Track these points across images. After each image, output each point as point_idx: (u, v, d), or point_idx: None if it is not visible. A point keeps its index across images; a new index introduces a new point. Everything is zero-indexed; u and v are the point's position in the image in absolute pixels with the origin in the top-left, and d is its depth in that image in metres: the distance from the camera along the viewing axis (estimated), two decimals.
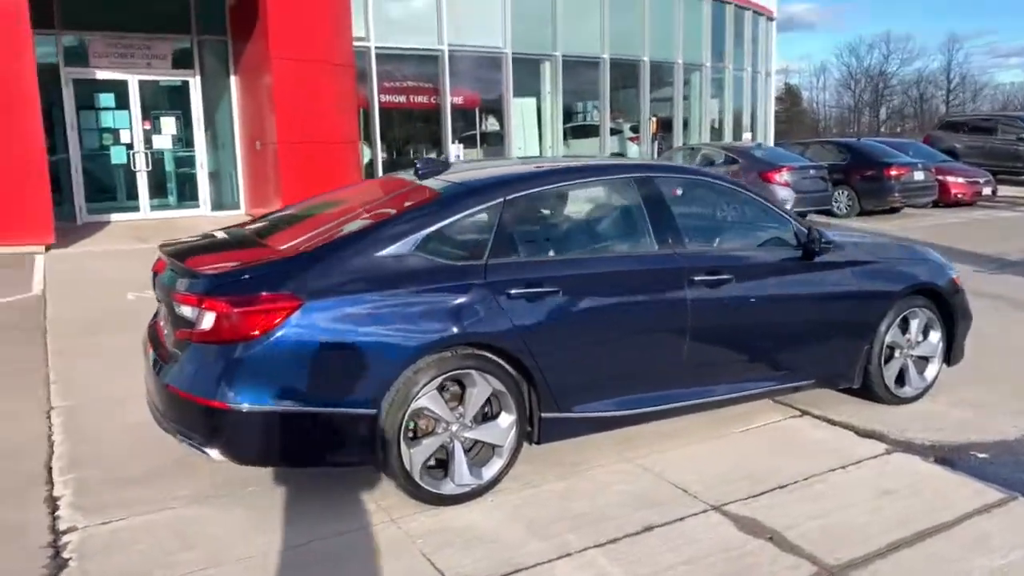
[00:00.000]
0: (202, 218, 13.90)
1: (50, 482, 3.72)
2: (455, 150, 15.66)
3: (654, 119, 18.84)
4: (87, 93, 13.58)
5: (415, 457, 3.27)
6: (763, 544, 3.10)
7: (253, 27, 12.63)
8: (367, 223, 3.46)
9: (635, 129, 20.00)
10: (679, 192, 4.07)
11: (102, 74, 13.55)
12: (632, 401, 3.78)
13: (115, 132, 13.86)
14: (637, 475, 3.73)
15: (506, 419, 3.46)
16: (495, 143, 17.47)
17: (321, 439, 3.15)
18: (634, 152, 19.87)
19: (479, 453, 3.51)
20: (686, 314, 3.81)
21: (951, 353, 4.81)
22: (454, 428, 3.37)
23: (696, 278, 3.83)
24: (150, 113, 14.05)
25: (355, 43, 15.07)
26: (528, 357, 3.43)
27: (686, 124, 21.23)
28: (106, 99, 13.76)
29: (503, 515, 3.35)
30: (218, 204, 14.56)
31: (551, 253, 3.73)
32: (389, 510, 3.37)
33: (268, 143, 12.76)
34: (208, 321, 3.05)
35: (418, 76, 16.23)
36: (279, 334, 3.03)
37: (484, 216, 3.52)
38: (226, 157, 14.80)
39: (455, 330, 3.28)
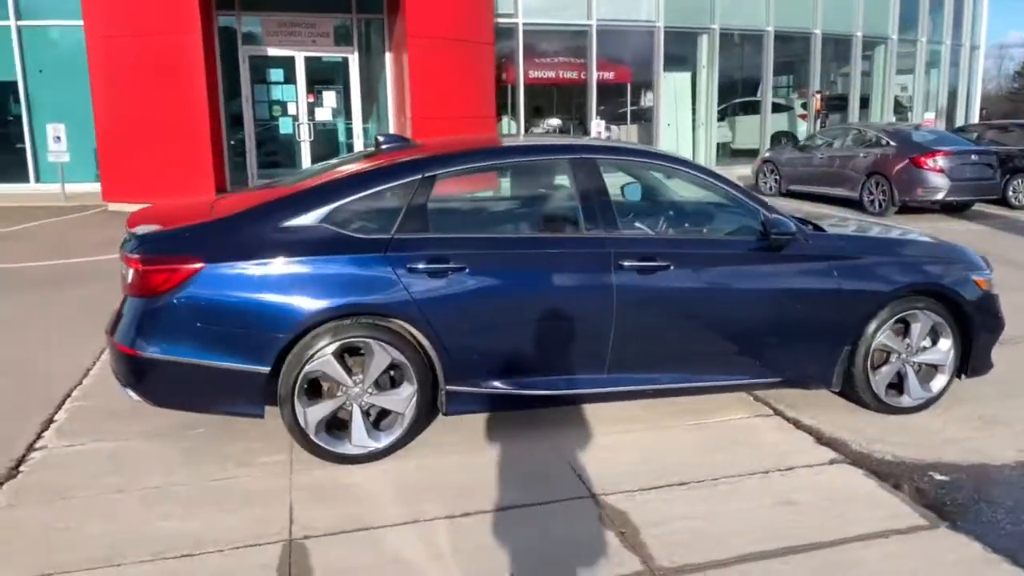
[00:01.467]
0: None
1: (60, 407, 4.39)
2: (596, 126, 15.58)
3: (818, 95, 17.53)
4: (260, 68, 15.02)
5: (310, 416, 3.53)
6: (610, 537, 3.04)
7: (400, 6, 13.32)
8: (285, 193, 3.72)
9: (805, 106, 18.74)
10: (627, 174, 3.95)
11: (273, 51, 14.90)
12: (545, 382, 3.78)
13: (283, 104, 15.23)
14: (544, 455, 3.74)
15: (407, 388, 3.62)
16: (643, 119, 17.15)
17: (218, 389, 3.49)
18: (802, 131, 18.64)
19: (385, 419, 3.70)
20: (611, 300, 3.73)
21: (968, 364, 4.29)
22: (353, 392, 3.58)
23: (626, 263, 3.73)
24: (314, 87, 15.27)
25: (503, 20, 15.45)
26: (429, 330, 3.56)
27: (865, 102, 19.55)
28: (276, 74, 15.14)
29: (389, 479, 3.52)
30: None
31: (465, 231, 3.80)
32: (296, 463, 3.66)
33: (407, 117, 13.46)
34: (131, 277, 3.48)
35: (565, 51, 16.27)
36: (183, 291, 3.39)
37: (399, 192, 3.66)
38: (381, 129, 15.77)
39: (352, 300, 3.48)
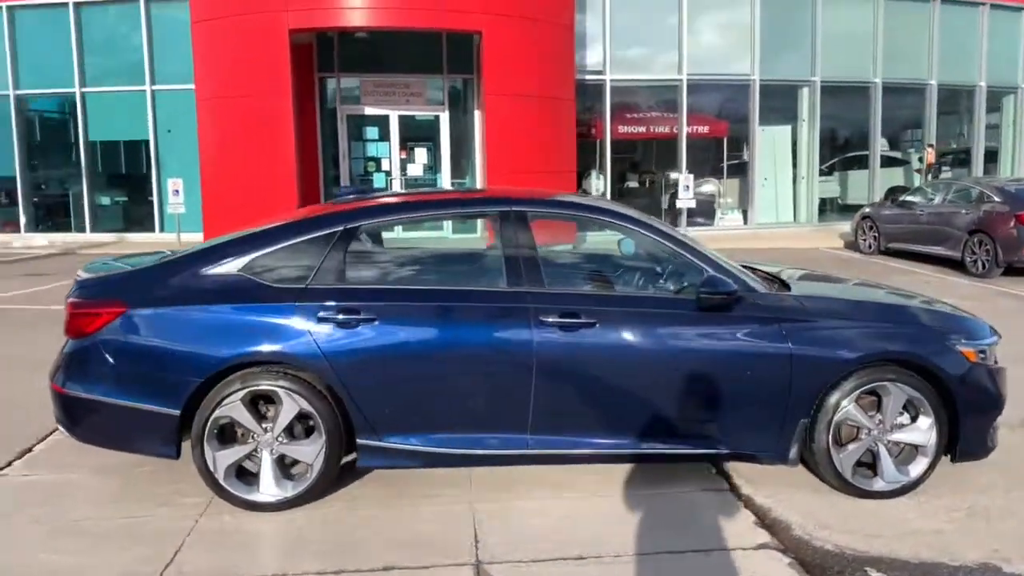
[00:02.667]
0: (442, 240, 15.27)
1: (45, 438, 4.66)
2: (683, 180, 15.25)
3: (930, 149, 16.40)
4: (357, 127, 15.79)
5: (219, 460, 3.57)
6: None
7: None
8: (217, 242, 3.85)
9: (922, 160, 17.61)
10: (561, 228, 3.83)
11: (369, 110, 15.65)
12: (463, 440, 3.66)
13: (377, 160, 15.91)
14: (456, 516, 3.60)
15: (317, 440, 3.61)
16: (738, 174, 16.65)
17: (134, 429, 3.61)
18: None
19: (297, 468, 3.70)
20: (531, 357, 3.59)
21: (956, 445, 3.80)
22: (263, 440, 3.61)
23: (547, 319, 3.59)
24: (406, 144, 15.87)
25: (590, 77, 15.57)
26: (337, 382, 3.55)
27: (993, 155, 18.11)
28: (371, 132, 15.86)
29: (288, 528, 3.50)
30: (459, 228, 15.90)
31: (381, 282, 3.77)
32: (213, 507, 3.69)
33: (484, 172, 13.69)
34: (66, 320, 3.69)
35: (654, 106, 16.14)
36: (104, 335, 3.56)
37: (319, 243, 3.70)
38: (470, 184, 16.12)
39: (261, 348, 3.54)
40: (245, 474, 3.67)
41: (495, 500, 3.78)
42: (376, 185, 15.88)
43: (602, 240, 4.13)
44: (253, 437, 3.62)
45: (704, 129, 16.33)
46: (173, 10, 15.67)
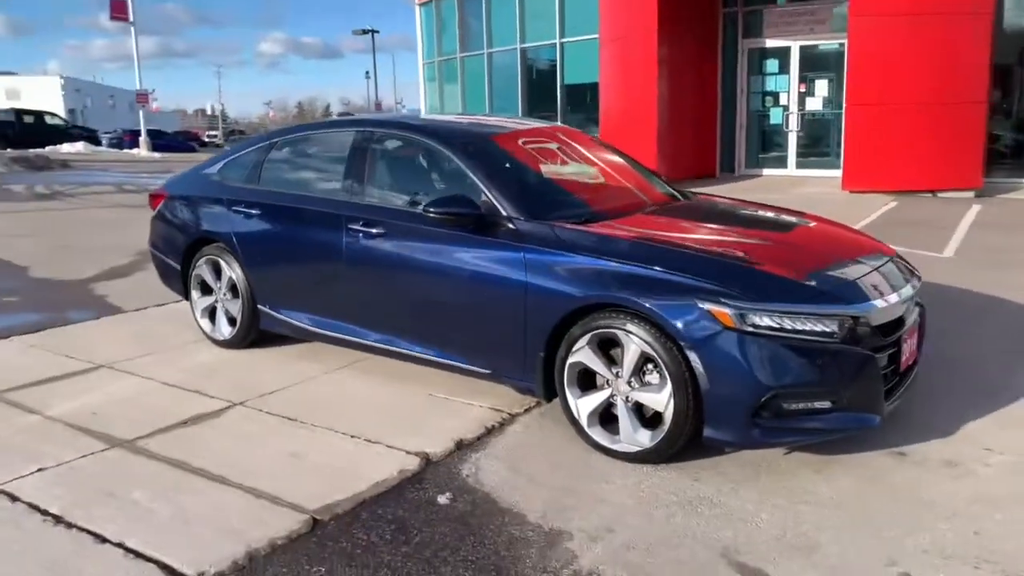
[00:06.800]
0: (833, 179, 14.02)
1: None
2: None
3: None
4: (757, 61, 15.36)
5: (198, 304, 5.14)
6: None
7: None
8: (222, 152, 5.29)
9: None
10: (399, 148, 4.33)
11: (770, 43, 15.10)
12: (318, 322, 4.50)
13: (775, 95, 15.29)
14: (289, 377, 4.47)
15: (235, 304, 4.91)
16: None
17: None
18: None
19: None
20: (342, 258, 4.24)
21: (704, 422, 3.20)
22: (218, 296, 5.02)
23: (352, 226, 4.17)
24: (806, 77, 14.86)
25: None
26: (241, 257, 4.76)
27: None
28: (771, 65, 15.27)
29: (208, 360, 4.88)
30: None
31: (271, 186, 4.70)
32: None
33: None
34: None
35: None
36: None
37: (256, 154, 4.90)
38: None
39: (205, 228, 4.97)
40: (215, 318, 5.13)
41: (335, 372, 4.55)
42: (773, 121, 15.33)
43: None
44: (212, 292, 5.06)
45: None
46: None
